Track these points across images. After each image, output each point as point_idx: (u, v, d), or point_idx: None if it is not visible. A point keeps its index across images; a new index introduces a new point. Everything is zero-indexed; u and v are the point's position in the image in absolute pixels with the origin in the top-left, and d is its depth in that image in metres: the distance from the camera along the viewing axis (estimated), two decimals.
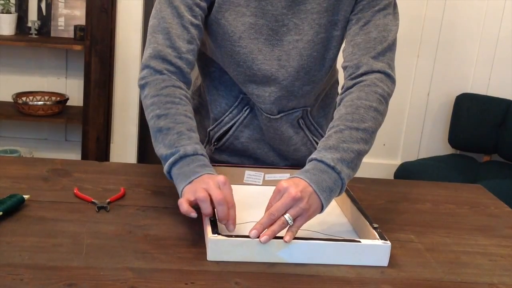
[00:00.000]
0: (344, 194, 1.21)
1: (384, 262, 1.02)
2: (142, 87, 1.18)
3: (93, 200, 1.16)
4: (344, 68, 1.23)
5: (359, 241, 1.01)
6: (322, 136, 1.34)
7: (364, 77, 1.18)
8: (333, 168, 1.05)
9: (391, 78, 1.20)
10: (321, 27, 1.22)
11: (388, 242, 1.02)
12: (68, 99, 3.05)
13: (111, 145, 3.17)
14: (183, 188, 1.04)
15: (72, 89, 3.15)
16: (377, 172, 3.17)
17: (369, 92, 1.15)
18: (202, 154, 1.09)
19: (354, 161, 1.08)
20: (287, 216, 0.99)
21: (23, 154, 3.06)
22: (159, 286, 0.90)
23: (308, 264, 1.00)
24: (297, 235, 1.01)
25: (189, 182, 1.04)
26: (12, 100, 2.99)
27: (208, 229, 1.00)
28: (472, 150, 3.34)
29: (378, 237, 1.03)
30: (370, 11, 1.21)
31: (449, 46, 3.35)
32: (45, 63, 3.13)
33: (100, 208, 1.13)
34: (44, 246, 0.98)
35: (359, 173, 1.39)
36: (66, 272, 0.91)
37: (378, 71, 1.18)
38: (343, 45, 1.27)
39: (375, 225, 1.06)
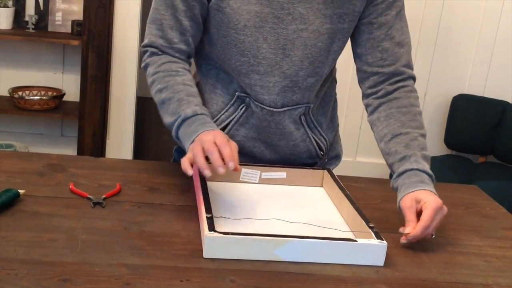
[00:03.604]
0: (340, 193, 1.21)
1: (380, 261, 1.02)
2: (144, 68, 1.29)
3: (88, 195, 1.15)
4: (375, 73, 1.30)
5: (356, 241, 1.01)
6: (320, 134, 1.37)
7: (402, 83, 1.30)
8: (431, 176, 1.19)
9: (415, 81, 1.34)
10: (327, 18, 1.23)
11: (385, 241, 1.02)
12: (64, 94, 3.04)
13: (107, 141, 3.17)
14: (188, 148, 1.13)
15: (69, 84, 3.15)
16: (373, 171, 3.17)
17: (415, 98, 1.30)
18: (202, 113, 1.18)
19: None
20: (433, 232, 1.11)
21: (19, 148, 3.05)
22: (154, 283, 0.89)
23: (303, 263, 1.00)
24: (293, 234, 1.02)
25: (192, 141, 1.13)
26: (8, 95, 2.98)
27: (205, 226, 0.99)
28: (468, 151, 3.35)
29: (374, 237, 1.03)
30: (390, 16, 1.27)
31: (447, 47, 3.35)
32: (42, 58, 3.12)
33: (95, 204, 1.13)
34: (39, 241, 0.97)
35: (355, 173, 1.39)
36: (61, 267, 0.90)
37: (411, 77, 1.32)
38: (361, 47, 1.30)
39: (371, 225, 1.06)
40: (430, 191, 1.14)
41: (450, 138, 3.32)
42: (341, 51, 1.30)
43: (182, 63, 1.27)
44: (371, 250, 1.01)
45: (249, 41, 1.22)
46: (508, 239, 1.20)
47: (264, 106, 1.29)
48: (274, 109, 1.29)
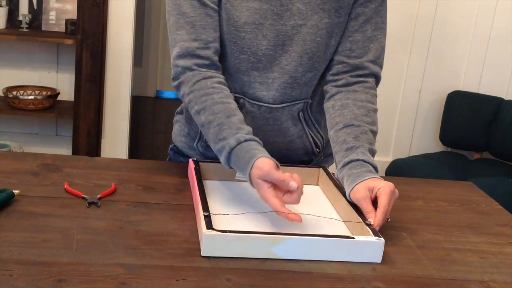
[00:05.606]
0: (336, 191, 1.21)
1: (378, 258, 1.02)
2: (176, 87, 1.24)
3: (83, 195, 1.15)
4: (340, 62, 1.29)
5: (353, 238, 1.01)
6: (317, 131, 1.37)
7: (364, 78, 1.29)
8: (376, 168, 1.19)
9: (379, 81, 1.32)
10: (325, 12, 1.23)
11: (382, 238, 1.02)
12: (59, 93, 3.03)
13: (102, 140, 3.16)
14: (250, 180, 1.11)
15: (63, 83, 3.14)
16: None
17: (372, 95, 1.28)
18: (245, 140, 1.13)
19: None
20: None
21: (13, 148, 3.04)
22: (150, 282, 0.89)
23: (299, 261, 1.00)
24: (291, 232, 1.02)
25: (249, 174, 1.10)
26: (2, 94, 2.97)
27: (202, 224, 0.99)
28: (463, 148, 3.36)
29: (372, 234, 1.03)
30: (368, 9, 1.26)
31: (441, 43, 3.36)
32: (36, 57, 3.11)
33: (90, 203, 1.13)
34: (34, 242, 0.97)
35: None
36: (56, 267, 0.90)
37: (375, 76, 1.30)
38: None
39: (368, 222, 1.06)
40: (379, 178, 1.14)
41: (445, 135, 3.33)
42: (337, 45, 1.30)
43: (216, 76, 1.22)
44: (369, 247, 1.01)
45: (249, 38, 1.22)
46: (503, 235, 1.20)
47: (263, 103, 1.29)
48: (273, 106, 1.29)
